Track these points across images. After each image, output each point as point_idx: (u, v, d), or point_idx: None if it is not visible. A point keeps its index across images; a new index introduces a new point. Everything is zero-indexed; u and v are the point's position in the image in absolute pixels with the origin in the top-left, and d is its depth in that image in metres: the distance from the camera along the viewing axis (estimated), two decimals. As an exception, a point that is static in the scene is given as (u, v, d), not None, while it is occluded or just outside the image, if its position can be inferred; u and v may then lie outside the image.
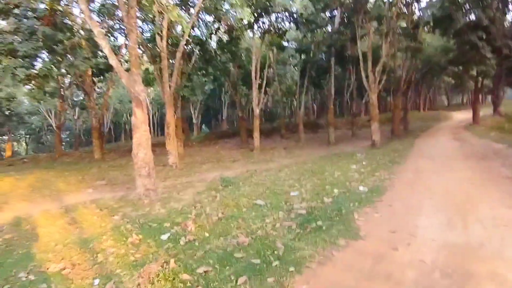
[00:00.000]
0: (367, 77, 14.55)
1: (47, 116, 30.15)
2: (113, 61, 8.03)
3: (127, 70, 9.74)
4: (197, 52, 19.79)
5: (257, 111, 19.25)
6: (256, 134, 19.09)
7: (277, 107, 37.19)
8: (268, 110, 42.80)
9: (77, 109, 34.26)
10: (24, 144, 51.60)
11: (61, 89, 21.95)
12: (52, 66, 12.06)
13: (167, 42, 16.32)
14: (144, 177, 8.26)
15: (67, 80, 22.69)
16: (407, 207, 5.11)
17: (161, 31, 12.62)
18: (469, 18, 19.71)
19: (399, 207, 5.17)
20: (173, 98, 14.08)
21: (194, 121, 50.42)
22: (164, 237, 4.69)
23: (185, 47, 19.62)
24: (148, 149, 8.45)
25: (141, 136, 8.31)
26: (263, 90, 22.22)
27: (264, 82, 21.81)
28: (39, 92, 15.47)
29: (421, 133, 21.22)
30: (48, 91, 19.00)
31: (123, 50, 18.47)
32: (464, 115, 36.63)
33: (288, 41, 24.24)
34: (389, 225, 4.38)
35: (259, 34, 21.95)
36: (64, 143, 50.16)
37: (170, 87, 13.51)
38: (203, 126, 63.22)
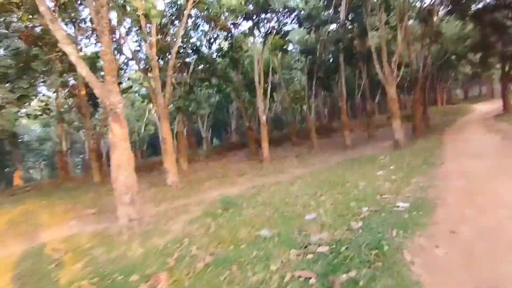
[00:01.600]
0: (382, 69, 12.85)
1: (58, 141, 29.68)
2: (82, 69, 6.75)
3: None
4: (195, 60, 18.64)
5: (263, 119, 17.76)
6: (265, 144, 17.56)
7: (286, 113, 35.60)
8: (277, 117, 41.29)
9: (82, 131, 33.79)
10: (40, 170, 52.02)
11: (60, 112, 21.14)
12: (29, 85, 10.98)
13: (159, 50, 15.26)
14: (126, 205, 6.85)
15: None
16: (482, 234, 3.44)
17: (150, 37, 11.42)
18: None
19: (468, 234, 3.50)
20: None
21: (203, 134, 49.49)
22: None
23: (182, 55, 18.58)
24: (131, 171, 7.05)
25: (121, 155, 6.93)
26: (268, 96, 20.80)
27: (269, 88, 20.40)
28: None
29: (446, 128, 19.20)
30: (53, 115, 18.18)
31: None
32: (487, 107, 34.24)
33: (291, 42, 22.77)
34: (467, 271, 2.73)
35: (260, 37, 20.71)
36: (79, 167, 50.01)
37: (164, 99, 12.23)
38: (214, 139, 62.31)
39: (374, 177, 7.54)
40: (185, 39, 18.36)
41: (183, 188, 11.72)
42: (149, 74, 13.69)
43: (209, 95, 39.83)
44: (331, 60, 23.95)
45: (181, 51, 18.59)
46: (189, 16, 18.16)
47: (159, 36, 16.50)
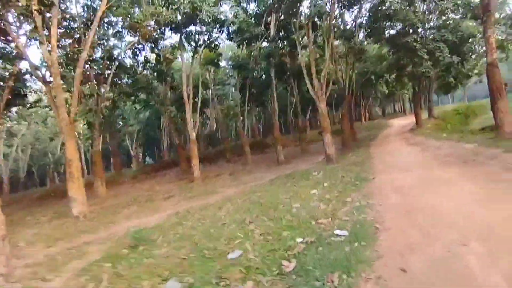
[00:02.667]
0: (312, 84, 12.82)
1: None
2: None
3: None
4: (117, 71, 16.70)
5: (193, 135, 16.52)
6: (195, 162, 16.24)
7: (221, 130, 34.73)
8: (212, 134, 40.14)
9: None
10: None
11: None
12: None
13: (66, 56, 13.15)
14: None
15: None
16: (436, 270, 2.79)
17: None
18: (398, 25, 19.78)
19: (420, 271, 2.83)
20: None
21: (132, 153, 45.71)
22: None
23: (99, 65, 16.49)
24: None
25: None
26: (198, 112, 19.68)
27: (199, 103, 19.32)
28: None
29: (371, 142, 20.27)
30: None
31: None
32: (402, 121, 37.97)
33: (221, 55, 22.18)
34: None
35: (190, 50, 19.68)
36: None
37: (69, 112, 10.23)
38: (147, 158, 58.13)
39: (308, 196, 6.89)
40: (105, 48, 16.40)
41: (93, 219, 9.75)
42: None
43: (138, 110, 37.05)
44: (263, 76, 24.01)
45: (99, 61, 16.53)
46: (108, 22, 16.43)
47: (68, 41, 14.37)
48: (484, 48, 23.02)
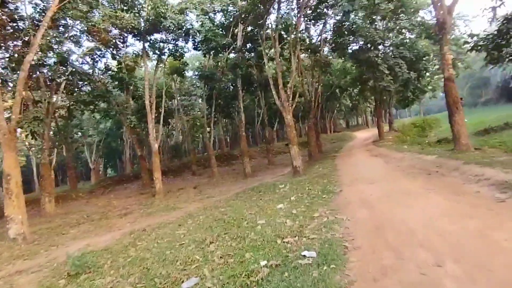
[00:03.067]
0: (278, 95, 12.70)
1: None
2: None
3: None
4: (70, 77, 15.50)
5: (155, 147, 15.65)
6: (157, 175, 15.35)
7: (187, 141, 33.71)
8: (177, 145, 38.92)
9: None
10: None
11: None
12: None
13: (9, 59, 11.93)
14: None
15: None
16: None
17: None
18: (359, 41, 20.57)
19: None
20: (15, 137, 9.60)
21: (91, 165, 42.93)
22: None
23: (51, 70, 15.20)
24: None
25: None
26: (161, 122, 18.84)
27: (162, 113, 18.55)
28: None
29: (337, 153, 20.56)
30: None
31: None
32: (365, 134, 39.38)
33: (187, 65, 21.61)
34: None
35: (154, 59, 18.97)
36: None
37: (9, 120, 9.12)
38: (109, 170, 55.05)
39: (274, 212, 6.51)
40: (58, 52, 15.18)
41: (33, 242, 8.62)
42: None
43: (98, 120, 35.00)
44: (230, 88, 23.73)
45: (51, 65, 15.26)
46: (64, 25, 15.30)
47: (12, 42, 13.11)
48: (437, 66, 24.75)
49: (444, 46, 10.10)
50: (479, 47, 12.06)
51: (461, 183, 5.96)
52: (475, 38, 13.07)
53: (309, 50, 17.31)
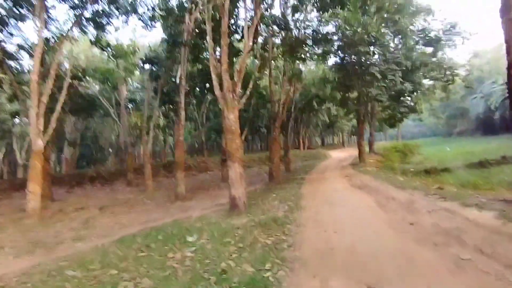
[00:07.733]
0: (220, 80, 7.88)
1: None
2: None
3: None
4: None
5: (38, 143, 10.29)
6: (32, 186, 9.94)
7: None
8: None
9: None
10: None
11: None
12: None
13: None
14: None
15: None
16: None
17: None
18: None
19: None
20: None
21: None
22: None
23: None
24: None
25: None
26: (57, 110, 13.34)
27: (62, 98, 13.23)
28: None
29: (306, 175, 16.01)
30: None
31: None
32: (341, 154, 35.78)
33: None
34: None
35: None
36: None
37: None
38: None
39: None
40: None
41: None
42: None
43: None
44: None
45: None
46: None
47: None
48: (431, 82, 21.22)
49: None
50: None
51: None
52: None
53: (276, 25, 12.50)
